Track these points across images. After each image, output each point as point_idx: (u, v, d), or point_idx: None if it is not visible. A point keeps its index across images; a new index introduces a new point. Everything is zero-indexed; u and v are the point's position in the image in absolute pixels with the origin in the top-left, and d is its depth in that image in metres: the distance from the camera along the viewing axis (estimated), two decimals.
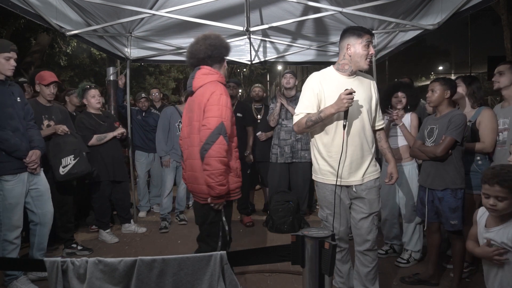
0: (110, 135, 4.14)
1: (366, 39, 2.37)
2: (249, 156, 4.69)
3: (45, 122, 3.55)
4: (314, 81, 2.44)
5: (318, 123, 2.35)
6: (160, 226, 4.56)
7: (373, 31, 4.64)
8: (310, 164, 4.68)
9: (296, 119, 2.44)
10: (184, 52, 5.04)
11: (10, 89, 2.92)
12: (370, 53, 2.39)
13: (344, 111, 2.26)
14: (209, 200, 2.30)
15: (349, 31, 2.42)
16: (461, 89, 3.13)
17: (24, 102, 3.04)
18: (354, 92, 2.23)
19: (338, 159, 2.36)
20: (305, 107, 2.42)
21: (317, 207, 4.60)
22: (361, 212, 2.46)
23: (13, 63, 2.84)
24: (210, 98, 2.30)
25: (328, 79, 2.43)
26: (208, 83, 2.39)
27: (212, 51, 2.42)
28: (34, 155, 2.95)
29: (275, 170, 4.68)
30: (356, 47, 2.38)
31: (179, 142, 2.67)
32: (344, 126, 2.29)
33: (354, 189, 2.44)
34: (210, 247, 2.37)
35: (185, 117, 2.53)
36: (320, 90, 2.40)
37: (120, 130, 4.24)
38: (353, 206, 2.50)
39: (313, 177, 2.57)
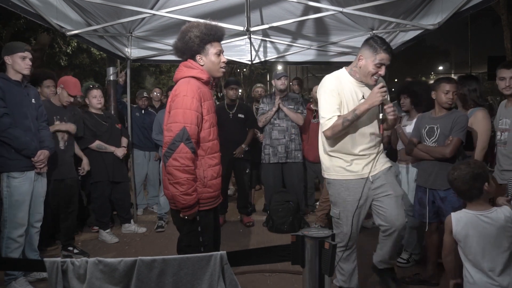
0: (111, 149, 4.17)
1: (380, 59, 2.33)
2: (241, 148, 4.61)
3: (57, 123, 3.62)
4: (334, 83, 2.45)
5: (354, 121, 2.37)
6: (157, 225, 4.56)
7: (373, 31, 4.65)
8: (303, 164, 4.74)
9: (328, 123, 2.41)
10: None
11: (26, 90, 3.04)
12: (379, 73, 2.35)
13: (379, 105, 2.32)
14: (181, 214, 2.15)
15: (368, 42, 2.38)
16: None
17: (38, 103, 3.15)
18: (385, 86, 2.29)
19: (362, 154, 2.48)
20: (334, 110, 2.41)
21: (317, 207, 4.60)
22: (387, 196, 2.52)
23: (28, 62, 2.96)
24: (175, 100, 2.12)
25: (343, 81, 2.46)
26: (182, 79, 2.20)
27: (181, 55, 2.25)
28: (42, 155, 3.01)
29: (268, 170, 4.66)
30: (367, 61, 2.35)
31: None
32: (382, 120, 2.34)
33: (370, 179, 2.52)
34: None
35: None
36: (340, 91, 2.42)
37: (123, 151, 4.28)
38: (375, 197, 2.55)
39: (325, 175, 2.62)
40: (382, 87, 2.27)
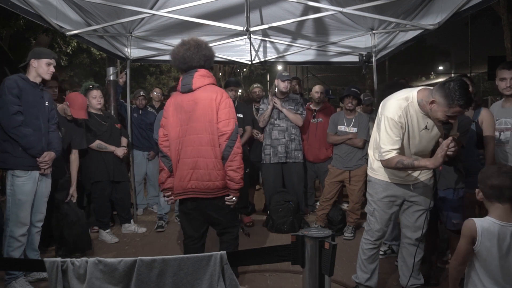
0: (111, 148, 4.17)
1: (453, 112, 2.16)
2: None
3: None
4: (399, 114, 2.35)
5: (408, 168, 2.36)
6: (156, 225, 4.55)
7: (373, 31, 4.65)
8: (303, 164, 4.75)
9: (385, 156, 2.39)
10: None
11: (41, 93, 3.14)
12: (449, 121, 2.24)
13: (439, 139, 2.33)
14: (231, 196, 2.54)
15: (446, 90, 2.15)
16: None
17: (51, 107, 3.24)
18: (454, 138, 2.18)
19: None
20: (393, 142, 2.36)
21: (317, 207, 4.60)
22: (417, 207, 2.60)
23: (52, 69, 3.12)
24: (222, 102, 2.46)
25: (410, 110, 2.37)
26: (208, 85, 2.51)
27: (205, 62, 2.55)
28: (48, 156, 3.05)
29: (269, 170, 4.66)
30: (439, 108, 2.20)
31: (161, 142, 2.65)
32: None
33: (411, 187, 2.57)
34: (236, 232, 2.72)
35: (180, 116, 2.52)
36: (404, 123, 2.37)
37: (123, 150, 4.28)
38: (408, 204, 2.63)
39: (369, 172, 2.72)
40: (444, 149, 2.14)
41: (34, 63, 3.05)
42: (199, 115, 2.46)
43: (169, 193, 2.68)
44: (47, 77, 3.11)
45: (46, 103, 3.17)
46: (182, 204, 2.66)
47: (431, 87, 2.35)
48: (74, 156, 3.89)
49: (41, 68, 3.05)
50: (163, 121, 2.62)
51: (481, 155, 3.04)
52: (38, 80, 3.09)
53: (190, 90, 2.49)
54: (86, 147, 4.01)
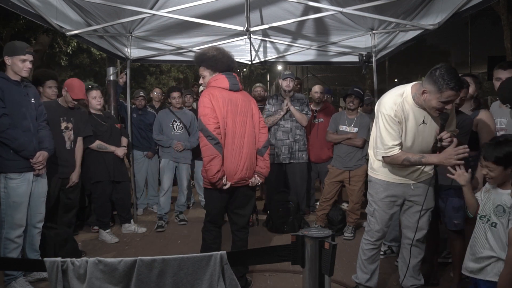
0: (111, 148, 4.17)
1: (446, 96, 2.17)
2: None
3: (63, 124, 3.67)
4: (395, 109, 2.36)
5: (415, 165, 2.40)
6: (156, 225, 4.55)
7: (373, 31, 4.65)
8: (307, 164, 4.75)
9: (389, 152, 2.39)
10: (185, 52, 5.07)
11: (26, 90, 3.01)
12: (445, 107, 2.23)
13: (436, 132, 2.31)
14: (259, 179, 2.95)
15: (433, 77, 2.18)
16: (471, 90, 2.99)
17: (38, 103, 3.11)
18: (467, 153, 2.20)
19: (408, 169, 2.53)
20: (394, 138, 2.38)
21: (317, 207, 4.60)
22: (418, 207, 2.59)
23: (28, 65, 2.91)
24: (255, 103, 2.96)
25: (405, 105, 2.38)
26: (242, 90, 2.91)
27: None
28: (41, 157, 2.98)
29: (271, 171, 4.64)
30: (431, 97, 2.21)
31: (213, 129, 2.65)
32: (439, 148, 2.29)
33: (412, 187, 2.57)
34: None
35: (229, 108, 2.71)
36: (400, 118, 2.37)
37: (123, 150, 4.29)
38: (409, 204, 2.64)
39: (369, 172, 2.72)
40: (460, 153, 2.16)
41: (8, 60, 2.87)
42: (245, 111, 2.80)
43: (225, 180, 2.72)
44: (24, 74, 2.92)
45: (32, 100, 3.03)
46: (216, 192, 2.77)
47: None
48: (79, 143, 3.85)
49: (15, 66, 2.87)
50: (209, 111, 2.65)
51: (470, 157, 3.02)
52: (18, 78, 2.92)
53: (238, 90, 2.82)
54: (91, 134, 3.99)
